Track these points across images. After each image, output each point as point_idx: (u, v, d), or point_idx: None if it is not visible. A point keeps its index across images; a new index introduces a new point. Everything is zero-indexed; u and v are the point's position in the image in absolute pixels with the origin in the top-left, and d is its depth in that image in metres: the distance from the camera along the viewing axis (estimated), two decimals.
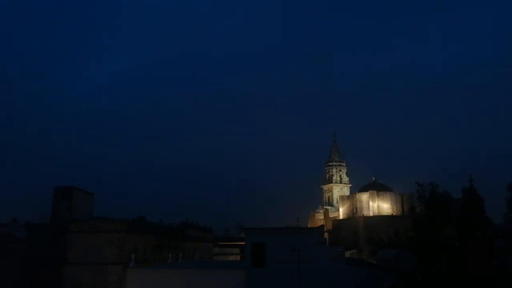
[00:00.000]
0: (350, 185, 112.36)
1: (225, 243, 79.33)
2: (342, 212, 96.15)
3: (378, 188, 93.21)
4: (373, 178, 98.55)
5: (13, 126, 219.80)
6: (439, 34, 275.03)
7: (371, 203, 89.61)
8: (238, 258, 63.89)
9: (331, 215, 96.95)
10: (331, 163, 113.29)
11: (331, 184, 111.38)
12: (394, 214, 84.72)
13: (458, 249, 41.49)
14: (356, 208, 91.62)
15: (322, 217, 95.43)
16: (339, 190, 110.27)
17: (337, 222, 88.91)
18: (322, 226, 62.04)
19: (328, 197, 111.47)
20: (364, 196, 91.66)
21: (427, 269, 39.57)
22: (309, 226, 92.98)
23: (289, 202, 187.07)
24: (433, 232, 42.70)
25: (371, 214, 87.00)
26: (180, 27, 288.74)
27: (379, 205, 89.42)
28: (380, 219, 77.47)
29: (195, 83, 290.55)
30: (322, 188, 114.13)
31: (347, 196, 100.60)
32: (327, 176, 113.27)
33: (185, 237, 54.96)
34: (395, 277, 29.82)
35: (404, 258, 32.96)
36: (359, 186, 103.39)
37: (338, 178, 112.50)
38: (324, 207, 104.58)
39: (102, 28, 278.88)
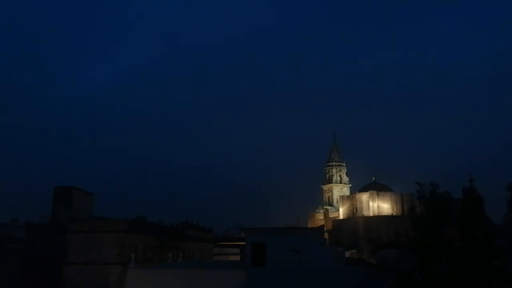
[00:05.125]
0: (350, 185, 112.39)
1: (225, 243, 79.37)
2: (342, 212, 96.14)
3: (378, 188, 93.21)
4: (373, 178, 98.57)
5: (13, 126, 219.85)
6: (439, 32, 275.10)
7: (371, 203, 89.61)
8: (238, 258, 63.89)
9: (331, 215, 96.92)
10: (331, 163, 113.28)
11: (331, 184, 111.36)
12: (394, 214, 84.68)
13: (458, 249, 41.45)
14: (356, 208, 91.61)
15: (322, 217, 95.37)
16: (339, 190, 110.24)
17: (337, 222, 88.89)
18: (322, 226, 62.03)
19: (328, 197, 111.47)
20: (364, 196, 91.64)
21: (427, 269, 39.54)
22: (309, 226, 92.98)
23: (289, 202, 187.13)
24: (433, 232, 42.63)
25: (371, 214, 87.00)
26: (186, 21, 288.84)
27: (379, 205, 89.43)
28: (380, 219, 77.42)
29: (194, 82, 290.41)
30: (322, 188, 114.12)
31: (347, 196, 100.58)
32: (327, 176, 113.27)
33: (185, 237, 55.00)
34: (395, 277, 29.80)
35: (404, 258, 32.90)
36: (359, 186, 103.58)
37: (338, 178, 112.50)
38: (324, 207, 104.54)
39: (104, 25, 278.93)
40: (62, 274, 39.43)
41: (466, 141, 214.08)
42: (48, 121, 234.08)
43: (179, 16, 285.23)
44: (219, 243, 76.68)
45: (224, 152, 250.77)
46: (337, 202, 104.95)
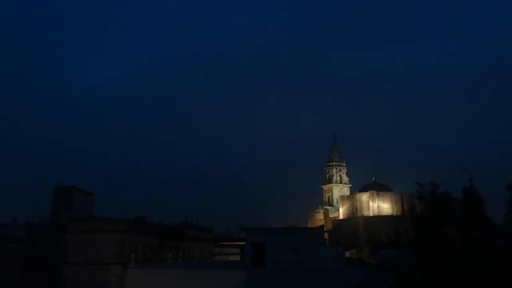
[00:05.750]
0: (350, 185, 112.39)
1: (225, 243, 79.41)
2: (342, 212, 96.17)
3: (378, 188, 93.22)
4: (373, 178, 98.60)
5: (13, 126, 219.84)
6: (439, 32, 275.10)
7: (371, 203, 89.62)
8: (238, 258, 63.90)
9: (331, 215, 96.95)
10: (331, 163, 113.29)
11: (331, 184, 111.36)
12: (394, 214, 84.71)
13: (458, 249, 41.47)
14: (356, 208, 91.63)
15: (322, 217, 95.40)
16: (339, 190, 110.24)
17: (337, 222, 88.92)
18: (322, 226, 62.06)
19: (328, 197, 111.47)
20: (364, 196, 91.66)
21: (427, 269, 39.56)
22: (309, 226, 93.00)
23: (289, 202, 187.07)
24: (433, 232, 42.66)
25: (371, 214, 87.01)
26: (182, 27, 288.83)
27: (379, 205, 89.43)
28: (380, 219, 77.44)
29: (195, 84, 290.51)
30: (322, 188, 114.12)
31: (347, 196, 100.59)
32: (327, 176, 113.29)
33: (185, 237, 55.03)
34: (395, 277, 29.81)
35: (405, 258, 32.92)
36: (359, 186, 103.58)
37: (338, 178, 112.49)
38: (324, 207, 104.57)
39: (103, 27, 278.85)
40: (62, 274, 39.45)
41: (466, 141, 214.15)
42: (48, 121, 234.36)
43: (179, 17, 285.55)
44: (219, 243, 76.70)
45: (224, 152, 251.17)
46: (337, 202, 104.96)
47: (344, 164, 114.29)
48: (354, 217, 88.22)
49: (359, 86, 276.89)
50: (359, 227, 79.01)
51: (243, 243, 39.56)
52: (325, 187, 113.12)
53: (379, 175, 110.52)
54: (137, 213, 61.24)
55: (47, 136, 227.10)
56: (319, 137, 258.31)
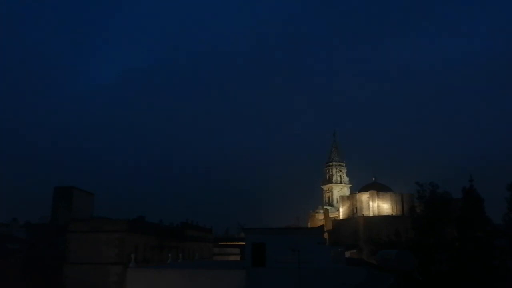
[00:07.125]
0: (350, 185, 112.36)
1: (225, 243, 79.43)
2: (342, 212, 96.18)
3: (378, 188, 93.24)
4: (373, 178, 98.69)
5: (13, 126, 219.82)
6: (439, 33, 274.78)
7: (371, 203, 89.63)
8: (238, 258, 63.93)
9: (331, 215, 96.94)
10: (331, 163, 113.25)
11: (331, 184, 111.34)
12: (394, 214, 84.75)
13: (458, 249, 41.47)
14: (356, 208, 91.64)
15: (322, 217, 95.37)
16: (339, 190, 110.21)
17: (337, 222, 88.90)
18: (322, 226, 61.99)
19: (328, 197, 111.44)
20: (364, 196, 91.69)
21: (427, 269, 39.60)
22: (309, 226, 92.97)
23: (289, 202, 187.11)
24: (433, 232, 42.70)
25: (371, 214, 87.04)
26: (185, 26, 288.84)
27: (379, 205, 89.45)
28: (380, 219, 77.45)
29: (195, 83, 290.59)
30: (322, 188, 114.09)
31: (347, 196, 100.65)
32: (327, 176, 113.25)
33: (185, 237, 54.97)
34: (395, 277, 29.84)
35: (404, 258, 32.99)
36: (359, 186, 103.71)
37: (338, 178, 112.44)
38: (324, 207, 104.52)
39: (105, 26, 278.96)
40: (62, 274, 39.43)
41: (466, 141, 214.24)
42: (48, 121, 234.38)
43: (180, 18, 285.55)
44: (219, 243, 76.68)
45: (224, 152, 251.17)
46: (337, 202, 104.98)
47: (344, 164, 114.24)
48: (354, 217, 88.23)
49: (359, 86, 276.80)
50: (359, 227, 78.99)
51: (243, 243, 39.53)
52: (325, 187, 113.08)
53: (379, 175, 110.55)
54: (137, 213, 61.09)
55: (47, 136, 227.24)
56: (319, 137, 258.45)
